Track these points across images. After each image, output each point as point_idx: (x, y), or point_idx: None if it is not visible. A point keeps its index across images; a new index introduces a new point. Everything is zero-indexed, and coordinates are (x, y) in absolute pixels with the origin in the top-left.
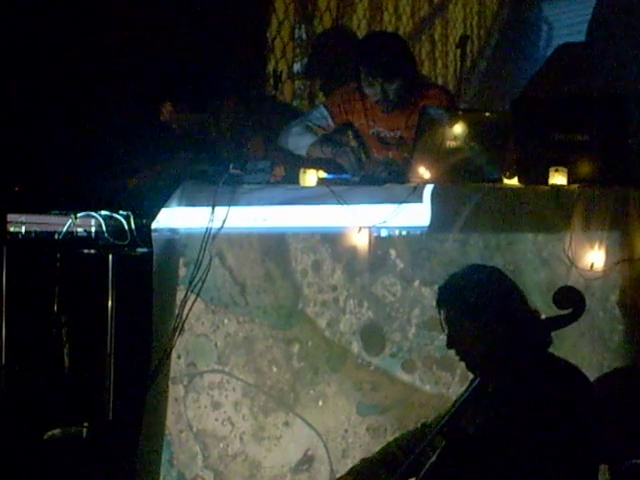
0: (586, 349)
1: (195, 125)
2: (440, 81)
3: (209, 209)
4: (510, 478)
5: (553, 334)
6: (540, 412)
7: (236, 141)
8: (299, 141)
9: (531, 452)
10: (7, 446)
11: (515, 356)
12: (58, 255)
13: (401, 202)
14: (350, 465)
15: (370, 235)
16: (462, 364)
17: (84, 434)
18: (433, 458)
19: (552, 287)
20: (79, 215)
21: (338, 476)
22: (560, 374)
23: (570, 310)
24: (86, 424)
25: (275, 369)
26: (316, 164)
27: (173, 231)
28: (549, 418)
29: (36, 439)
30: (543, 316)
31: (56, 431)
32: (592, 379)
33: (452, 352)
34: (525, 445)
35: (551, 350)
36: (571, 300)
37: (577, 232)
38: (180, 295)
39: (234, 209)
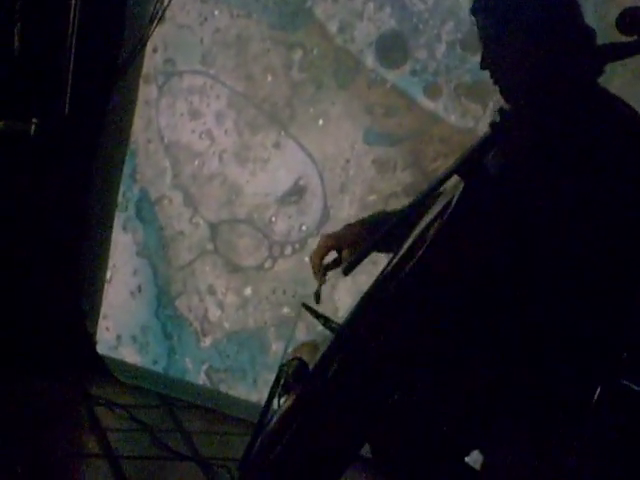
0: (637, 93)
1: None
2: None
3: None
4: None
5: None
6: (594, 149)
7: None
8: None
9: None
10: None
11: (564, 81)
12: None
13: None
14: (348, 202)
15: None
16: (497, 96)
17: (32, 131)
18: (453, 200)
19: (615, 14)
20: None
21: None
22: (618, 110)
23: (634, 38)
24: (35, 120)
25: (270, 78)
26: None
27: None
28: (602, 159)
29: None
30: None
31: None
32: None
33: (486, 80)
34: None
35: None
36: (638, 25)
37: None
38: None
39: None
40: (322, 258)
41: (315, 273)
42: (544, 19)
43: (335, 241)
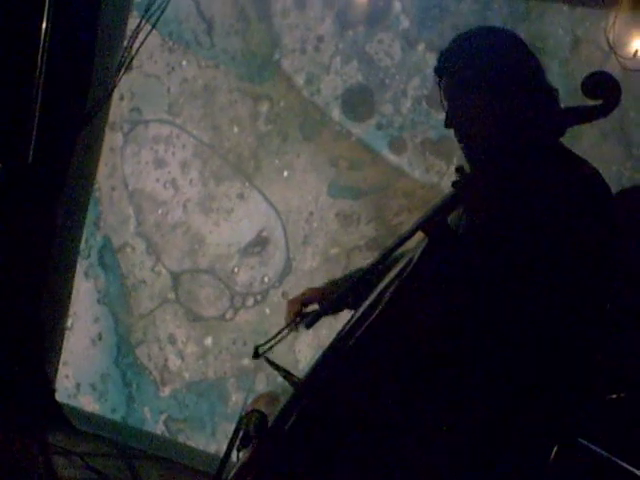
0: (606, 153)
1: None
2: None
3: None
4: (501, 289)
5: (570, 130)
6: (553, 212)
7: None
8: None
9: (534, 261)
10: None
11: (526, 142)
12: None
13: None
14: (310, 254)
15: None
16: (461, 153)
17: None
18: (414, 258)
19: (581, 74)
20: None
21: (294, 264)
22: (579, 173)
23: (600, 102)
24: (0, 165)
25: (236, 129)
26: None
27: None
28: (563, 221)
29: None
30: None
31: None
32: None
33: (451, 137)
34: (529, 252)
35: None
36: (604, 89)
37: (624, 11)
38: (132, 24)
39: None
40: (300, 307)
41: (288, 319)
42: (508, 80)
43: (318, 294)
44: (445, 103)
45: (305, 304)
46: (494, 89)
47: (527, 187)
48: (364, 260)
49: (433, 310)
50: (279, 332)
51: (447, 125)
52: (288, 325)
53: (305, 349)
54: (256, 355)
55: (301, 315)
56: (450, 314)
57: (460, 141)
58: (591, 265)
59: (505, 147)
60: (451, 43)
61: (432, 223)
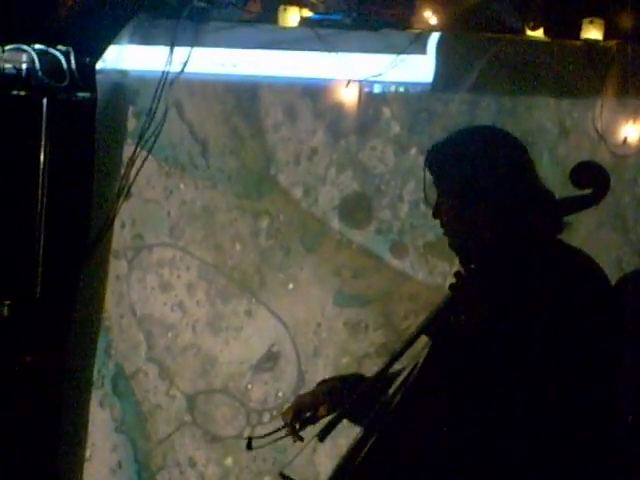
0: (604, 241)
1: None
2: None
3: (167, 49)
4: (509, 381)
5: (565, 219)
6: (548, 307)
7: None
8: None
9: (532, 354)
10: None
11: (519, 243)
12: None
13: (400, 52)
14: (322, 365)
15: (360, 90)
16: None
17: (5, 313)
18: (419, 363)
19: (572, 164)
20: (7, 48)
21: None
22: (575, 266)
23: (590, 191)
24: (7, 302)
25: (238, 247)
26: None
27: (122, 73)
28: (560, 314)
29: None
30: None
31: None
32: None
33: None
34: (529, 346)
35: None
36: (593, 178)
37: (610, 99)
38: (128, 152)
39: (197, 50)
40: (293, 417)
41: (288, 432)
42: (496, 181)
43: (308, 399)
44: (431, 198)
45: (298, 412)
46: (483, 194)
47: (522, 284)
48: (375, 367)
49: (440, 412)
50: (276, 431)
51: (435, 215)
52: (283, 427)
53: (325, 460)
54: (249, 445)
55: (297, 424)
56: (457, 416)
57: (445, 234)
58: (595, 354)
59: (498, 247)
60: (440, 143)
61: (434, 326)
